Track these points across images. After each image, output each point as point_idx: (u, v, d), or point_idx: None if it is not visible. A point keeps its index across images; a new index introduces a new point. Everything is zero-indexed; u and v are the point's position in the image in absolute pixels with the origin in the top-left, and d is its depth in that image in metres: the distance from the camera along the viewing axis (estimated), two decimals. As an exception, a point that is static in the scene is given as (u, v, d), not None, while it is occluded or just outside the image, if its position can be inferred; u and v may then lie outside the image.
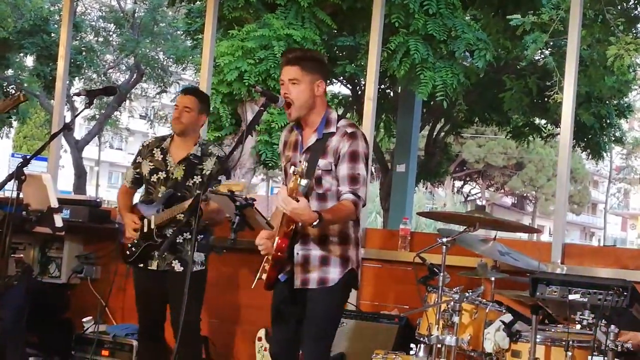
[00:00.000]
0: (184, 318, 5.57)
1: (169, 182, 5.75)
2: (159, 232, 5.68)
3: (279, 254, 4.49)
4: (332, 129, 4.64)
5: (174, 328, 5.79)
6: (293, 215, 4.29)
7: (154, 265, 5.76)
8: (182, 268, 5.66)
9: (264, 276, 4.63)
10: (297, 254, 4.60)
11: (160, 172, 5.82)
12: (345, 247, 4.65)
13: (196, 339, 5.82)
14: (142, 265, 5.80)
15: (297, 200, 4.24)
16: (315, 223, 4.32)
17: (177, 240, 5.67)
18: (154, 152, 5.91)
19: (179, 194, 5.66)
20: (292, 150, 4.74)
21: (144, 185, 5.94)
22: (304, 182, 4.27)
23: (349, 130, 4.62)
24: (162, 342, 6.01)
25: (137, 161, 5.99)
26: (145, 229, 5.75)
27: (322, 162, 4.56)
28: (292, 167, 4.33)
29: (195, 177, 5.73)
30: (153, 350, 5.95)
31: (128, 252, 5.83)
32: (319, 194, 4.57)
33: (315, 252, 4.60)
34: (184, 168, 5.75)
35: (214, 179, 5.54)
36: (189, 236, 5.64)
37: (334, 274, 4.61)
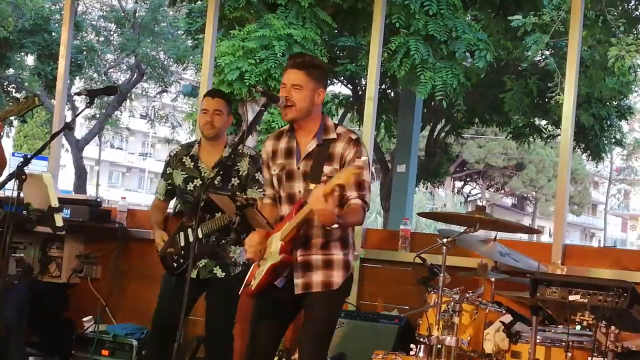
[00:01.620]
0: (216, 322, 5.61)
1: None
2: (207, 240, 5.61)
3: (287, 257, 4.49)
4: (332, 135, 4.64)
5: (207, 332, 5.79)
6: (318, 213, 4.27)
7: (193, 274, 5.70)
8: (224, 274, 5.61)
9: (254, 282, 4.63)
10: (297, 259, 4.57)
11: (195, 180, 5.72)
12: (346, 252, 4.65)
13: (227, 346, 5.79)
14: (179, 272, 5.77)
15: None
16: (335, 226, 4.36)
17: (218, 246, 5.66)
18: (183, 160, 5.81)
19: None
20: (285, 157, 4.68)
21: (177, 195, 5.88)
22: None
23: (354, 137, 4.62)
24: (172, 345, 6.00)
25: (167, 172, 5.88)
26: (183, 242, 5.71)
27: (327, 169, 4.55)
28: (353, 163, 4.31)
29: (232, 179, 5.64)
30: (163, 353, 5.91)
31: (175, 264, 5.75)
32: None
33: (317, 256, 4.58)
34: (220, 173, 5.68)
35: (252, 179, 5.62)
36: (228, 238, 5.62)
37: (338, 277, 4.60)
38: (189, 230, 5.68)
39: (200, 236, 5.64)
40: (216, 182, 5.58)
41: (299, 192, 4.61)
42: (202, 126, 5.75)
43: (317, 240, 4.58)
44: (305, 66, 4.63)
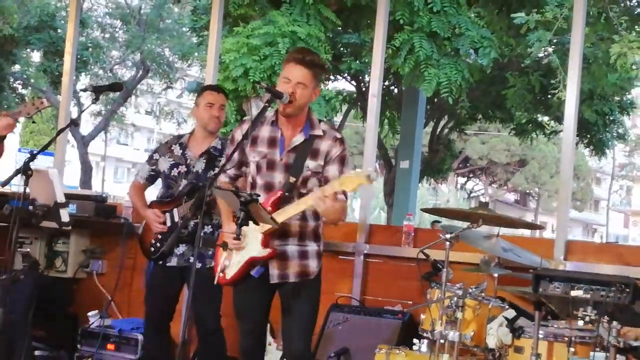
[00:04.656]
0: (206, 318, 5.65)
1: (190, 175, 5.78)
2: (184, 224, 5.68)
3: (273, 252, 4.63)
4: (318, 132, 4.74)
5: (195, 324, 5.85)
6: (327, 211, 4.41)
7: (172, 262, 5.78)
8: (199, 264, 5.66)
9: (230, 272, 4.72)
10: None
11: (180, 166, 5.85)
12: (319, 243, 4.82)
13: (218, 337, 5.84)
14: (161, 262, 5.82)
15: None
16: (340, 223, 4.59)
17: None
18: (172, 148, 5.94)
19: (201, 185, 5.60)
20: (268, 147, 4.76)
21: (160, 181, 5.97)
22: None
23: (338, 135, 4.78)
24: (167, 336, 6.05)
25: (154, 158, 6.01)
26: (169, 223, 5.78)
27: (312, 164, 4.68)
28: (369, 170, 4.38)
29: (215, 169, 5.73)
30: (159, 344, 5.98)
31: (152, 249, 5.84)
32: (301, 194, 4.66)
33: (293, 247, 4.72)
34: (204, 161, 5.78)
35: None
36: (208, 230, 5.69)
37: (313, 267, 4.76)
38: (167, 215, 5.78)
39: (175, 220, 5.73)
40: (199, 171, 5.69)
41: (279, 182, 4.70)
42: (207, 120, 5.83)
43: (295, 231, 4.71)
44: (313, 65, 4.70)
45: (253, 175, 4.80)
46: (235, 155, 4.83)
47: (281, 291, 4.78)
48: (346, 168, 4.71)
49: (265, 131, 4.79)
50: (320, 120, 4.83)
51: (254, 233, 4.62)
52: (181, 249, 5.75)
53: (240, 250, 4.69)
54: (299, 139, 4.72)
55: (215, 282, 4.79)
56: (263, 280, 4.73)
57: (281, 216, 4.56)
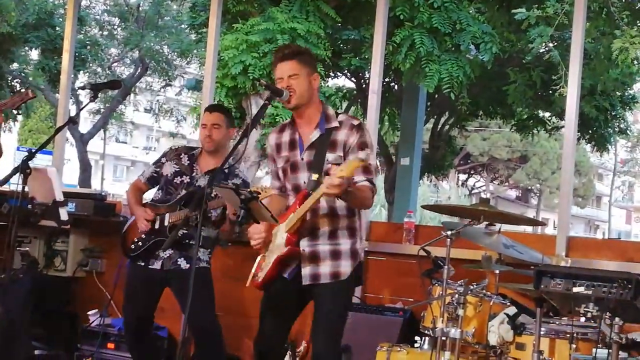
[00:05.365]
0: (200, 318, 5.61)
1: (191, 188, 5.76)
2: (177, 231, 5.65)
3: (292, 249, 4.55)
4: (334, 124, 4.68)
5: (189, 326, 5.81)
6: (331, 187, 4.22)
7: (156, 265, 5.74)
8: (188, 265, 5.65)
9: (261, 274, 4.67)
10: (304, 250, 4.61)
11: (184, 176, 5.83)
12: (354, 241, 4.69)
13: (215, 337, 5.80)
14: (142, 263, 5.79)
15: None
16: (344, 196, 4.32)
17: (185, 241, 5.68)
18: (181, 156, 5.93)
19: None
20: (289, 150, 4.75)
21: (160, 185, 5.92)
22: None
23: (355, 122, 4.68)
24: (150, 336, 6.02)
25: (161, 161, 5.99)
26: (157, 226, 5.75)
27: (331, 156, 4.60)
28: (360, 153, 4.32)
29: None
30: (141, 345, 5.93)
31: (133, 246, 5.82)
32: None
33: (324, 246, 4.62)
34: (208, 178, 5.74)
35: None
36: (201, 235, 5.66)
37: (346, 267, 4.64)
38: (158, 217, 5.78)
39: (165, 224, 5.71)
40: (202, 186, 5.66)
41: (304, 182, 4.65)
42: (202, 140, 5.91)
43: (324, 229, 4.61)
44: (295, 55, 4.70)
45: (283, 181, 4.80)
46: (271, 166, 4.89)
47: (313, 293, 4.67)
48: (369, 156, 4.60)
49: (285, 136, 4.79)
50: (338, 113, 4.77)
51: (282, 233, 4.59)
52: (167, 252, 5.72)
53: (269, 252, 4.66)
54: (315, 134, 4.68)
55: (247, 285, 4.76)
56: (295, 284, 4.65)
57: (295, 214, 4.51)
